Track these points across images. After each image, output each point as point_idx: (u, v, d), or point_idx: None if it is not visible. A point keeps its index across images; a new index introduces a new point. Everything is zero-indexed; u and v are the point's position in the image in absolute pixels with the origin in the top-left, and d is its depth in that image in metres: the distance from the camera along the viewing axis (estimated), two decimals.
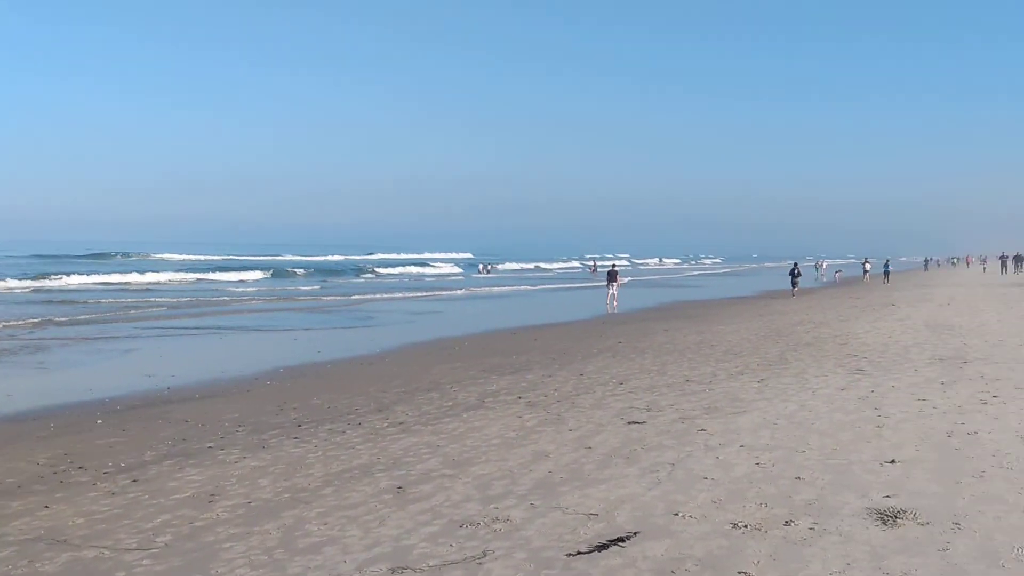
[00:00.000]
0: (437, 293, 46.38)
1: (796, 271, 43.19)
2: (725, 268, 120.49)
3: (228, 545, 6.23)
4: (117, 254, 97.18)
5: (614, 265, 37.71)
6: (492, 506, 6.93)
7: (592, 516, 6.54)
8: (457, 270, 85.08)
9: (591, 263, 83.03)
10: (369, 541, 6.17)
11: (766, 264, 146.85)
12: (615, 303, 33.57)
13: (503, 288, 53.02)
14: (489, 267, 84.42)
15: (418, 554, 5.86)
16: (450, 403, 12.11)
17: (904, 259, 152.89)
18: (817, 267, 72.49)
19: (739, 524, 6.19)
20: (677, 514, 6.50)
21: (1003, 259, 67.10)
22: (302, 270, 71.73)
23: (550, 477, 7.77)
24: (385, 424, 10.68)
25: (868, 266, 60.51)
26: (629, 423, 10.09)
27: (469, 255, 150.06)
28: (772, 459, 8.03)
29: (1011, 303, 29.52)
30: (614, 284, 34.63)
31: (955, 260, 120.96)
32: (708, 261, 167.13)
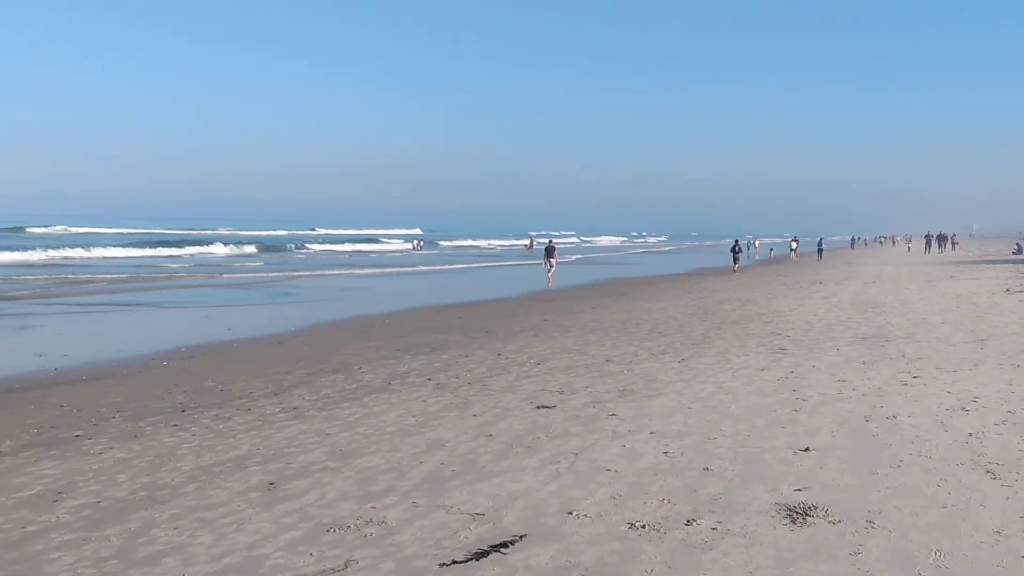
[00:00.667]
0: (371, 270, 45.23)
1: (737, 248, 43.88)
2: (668, 246, 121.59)
3: (56, 555, 5.38)
4: (36, 227, 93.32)
5: (551, 241, 37.42)
6: (369, 505, 6.18)
7: (478, 516, 5.84)
8: (406, 246, 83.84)
9: (528, 240, 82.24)
10: (219, 550, 5.37)
11: (705, 242, 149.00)
12: (549, 278, 33.20)
13: (439, 266, 52.03)
14: (421, 244, 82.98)
15: (271, 565, 5.10)
16: (353, 385, 11.31)
17: (836, 238, 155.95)
18: (750, 245, 73.02)
19: (637, 524, 5.55)
20: (571, 513, 5.83)
21: (927, 238, 68.53)
22: (236, 246, 69.53)
23: (441, 470, 7.04)
24: (277, 409, 9.83)
25: (795, 244, 61.61)
26: (538, 407, 9.41)
27: (418, 231, 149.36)
28: (681, 448, 7.42)
29: (934, 281, 29.68)
30: (552, 260, 34.09)
31: (882, 239, 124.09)
32: (653, 239, 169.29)
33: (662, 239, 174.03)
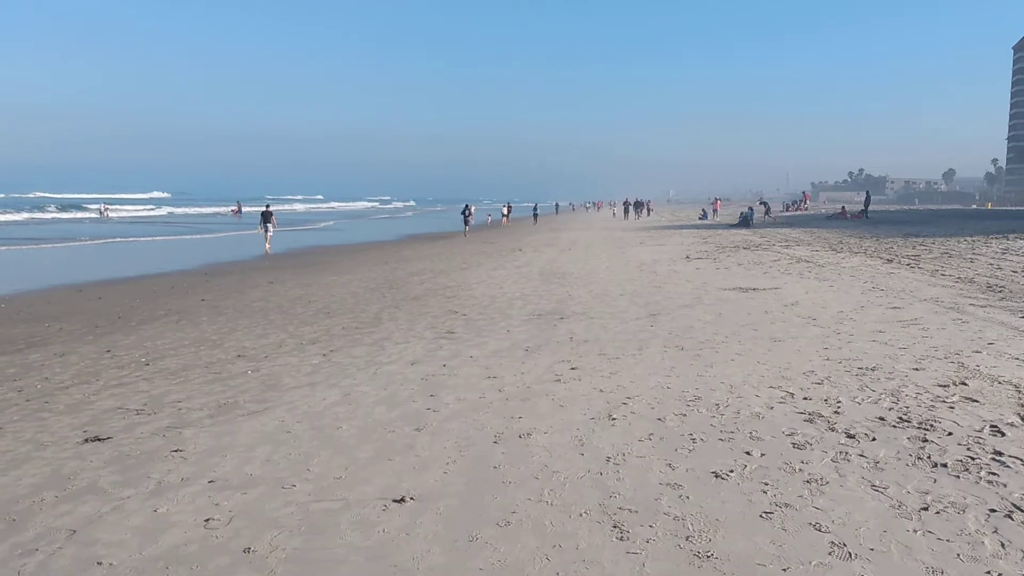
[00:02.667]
0: (33, 246, 38.93)
1: (468, 212, 47.58)
2: (409, 212, 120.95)
3: None
4: None
5: (268, 207, 35.71)
6: None
7: None
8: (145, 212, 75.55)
9: (235, 206, 76.11)
10: None
11: (438, 207, 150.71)
12: (267, 245, 32.73)
13: (130, 238, 46.16)
14: (107, 209, 73.80)
15: None
16: None
17: (550, 203, 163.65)
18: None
19: None
20: None
21: (626, 205, 71.44)
22: None
23: None
24: None
25: (506, 211, 63.05)
26: (87, 441, 6.77)
27: (166, 194, 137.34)
28: (235, 509, 5.18)
29: (624, 247, 29.89)
30: (268, 226, 33.45)
31: (587, 205, 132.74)
32: (400, 204, 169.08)
33: (410, 204, 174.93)
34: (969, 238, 26.78)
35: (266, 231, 33.19)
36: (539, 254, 27.37)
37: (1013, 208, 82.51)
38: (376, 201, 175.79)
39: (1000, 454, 5.68)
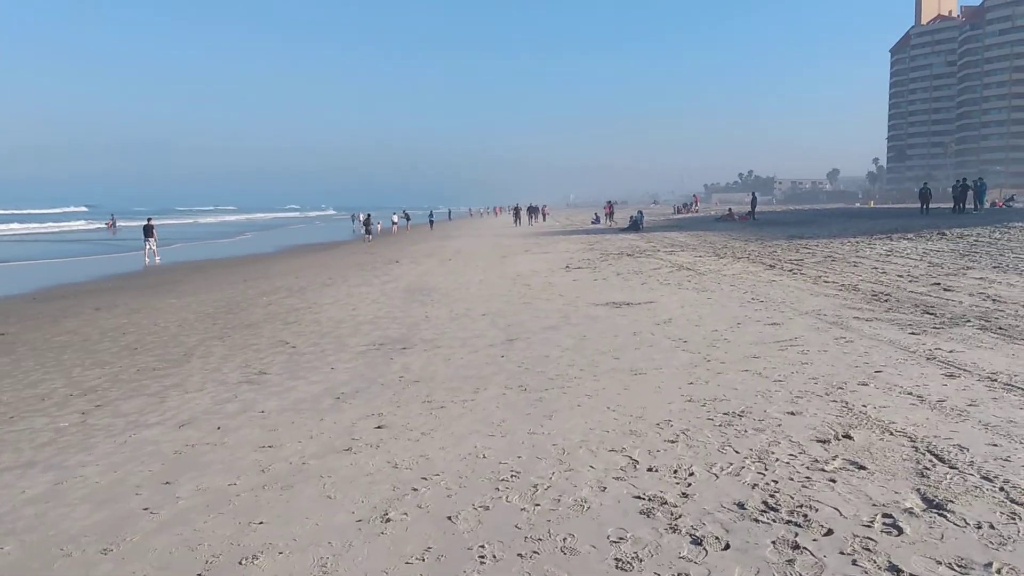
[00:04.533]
0: None
1: (368, 221, 49.07)
2: (320, 222, 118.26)
3: None
4: None
5: (149, 219, 35.32)
6: None
7: None
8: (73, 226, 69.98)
9: (109, 220, 71.28)
10: None
11: (344, 214, 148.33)
12: (156, 258, 32.95)
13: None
14: None
15: None
16: None
17: (458, 209, 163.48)
18: (354, 219, 71.89)
19: None
20: None
21: (516, 211, 65.92)
22: None
23: None
24: None
25: (396, 218, 62.60)
26: None
27: (82, 208, 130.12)
28: None
29: (508, 256, 28.05)
30: (151, 239, 33.84)
31: (485, 211, 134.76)
32: (315, 213, 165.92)
33: (328, 212, 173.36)
34: (853, 239, 26.02)
35: (148, 246, 33.48)
36: (416, 265, 25.31)
37: (895, 206, 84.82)
38: (294, 211, 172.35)
39: (898, 572, 3.96)
